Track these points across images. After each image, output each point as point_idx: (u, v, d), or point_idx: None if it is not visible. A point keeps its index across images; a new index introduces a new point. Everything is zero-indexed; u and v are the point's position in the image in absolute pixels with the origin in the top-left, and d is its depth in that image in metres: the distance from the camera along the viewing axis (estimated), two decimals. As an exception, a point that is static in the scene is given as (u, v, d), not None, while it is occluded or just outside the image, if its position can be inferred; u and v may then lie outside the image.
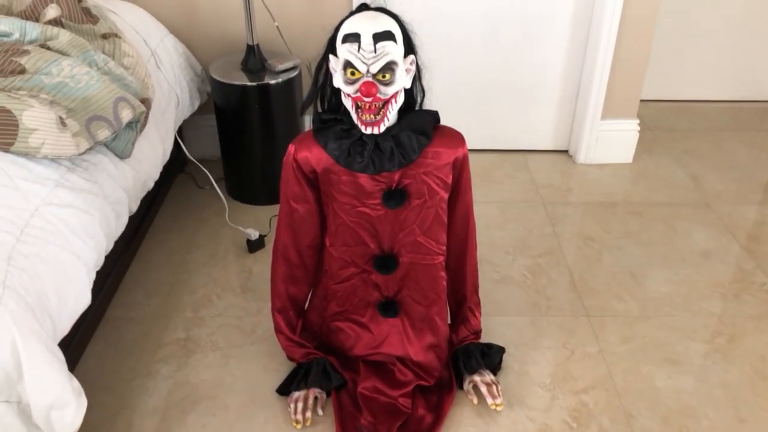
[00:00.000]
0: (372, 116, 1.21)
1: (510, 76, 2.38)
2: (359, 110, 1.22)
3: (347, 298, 1.46)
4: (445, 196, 1.35)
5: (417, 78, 1.30)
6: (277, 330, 1.52)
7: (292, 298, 1.50)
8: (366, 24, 1.17)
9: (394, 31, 1.19)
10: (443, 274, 1.44)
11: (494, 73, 2.37)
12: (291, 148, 1.33)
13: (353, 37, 1.16)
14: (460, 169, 1.37)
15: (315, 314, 1.54)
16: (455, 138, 1.35)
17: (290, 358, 1.53)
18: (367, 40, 1.16)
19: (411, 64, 1.24)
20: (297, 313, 1.53)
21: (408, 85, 1.25)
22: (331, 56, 1.24)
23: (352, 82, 1.19)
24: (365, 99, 1.18)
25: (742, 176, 2.40)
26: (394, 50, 1.18)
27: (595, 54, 2.25)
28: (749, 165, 2.48)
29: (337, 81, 1.22)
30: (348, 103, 1.23)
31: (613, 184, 2.34)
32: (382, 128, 1.24)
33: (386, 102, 1.21)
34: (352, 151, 1.27)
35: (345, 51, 1.18)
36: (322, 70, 1.28)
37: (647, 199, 2.25)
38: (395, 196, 1.31)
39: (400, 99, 1.24)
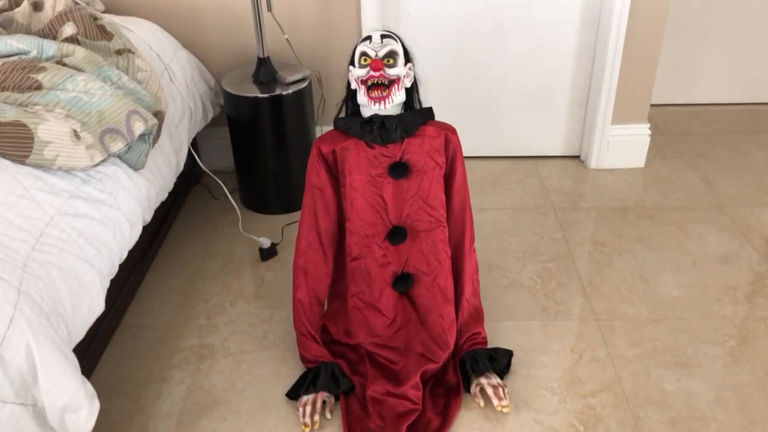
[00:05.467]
0: (379, 92, 1.50)
1: (520, 82, 2.39)
2: (369, 90, 1.51)
3: (363, 277, 1.57)
4: (441, 167, 1.58)
5: (415, 88, 1.59)
6: (295, 306, 1.60)
7: (312, 274, 1.60)
8: (375, 31, 1.55)
9: (395, 37, 1.55)
10: (445, 247, 1.58)
11: (504, 81, 2.39)
12: (314, 142, 1.61)
13: (366, 38, 1.54)
14: (453, 155, 1.59)
15: (338, 301, 1.66)
16: (448, 126, 1.61)
17: (302, 356, 1.57)
18: (376, 36, 1.53)
19: (410, 69, 1.55)
20: (317, 310, 1.61)
21: (408, 85, 1.55)
22: (350, 67, 1.55)
23: (364, 66, 1.51)
24: (374, 74, 1.49)
25: (757, 179, 2.38)
26: (395, 45, 1.53)
27: (604, 59, 2.26)
28: (764, 167, 2.46)
29: (354, 74, 1.53)
30: (361, 91, 1.52)
31: (625, 188, 2.33)
32: (388, 105, 1.51)
33: (391, 83, 1.50)
34: (364, 128, 1.55)
35: (360, 47, 1.53)
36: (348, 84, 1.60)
37: (659, 204, 2.24)
38: (399, 168, 1.55)
39: (402, 91, 1.54)
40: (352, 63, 1.55)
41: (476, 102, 2.43)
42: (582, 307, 1.77)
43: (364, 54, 1.51)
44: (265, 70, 2.09)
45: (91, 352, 1.59)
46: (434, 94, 2.39)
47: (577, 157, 2.54)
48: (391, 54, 1.51)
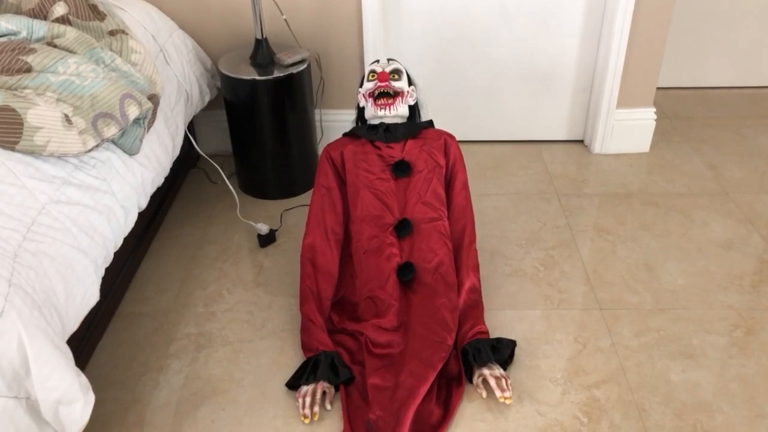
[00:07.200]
0: (385, 100, 1.70)
1: (523, 65, 2.34)
2: (377, 99, 1.71)
3: (372, 269, 1.59)
4: (441, 167, 1.69)
5: (417, 109, 1.80)
6: (304, 293, 1.60)
7: (320, 269, 1.62)
8: (383, 57, 1.90)
9: (399, 61, 1.83)
10: (446, 240, 1.62)
11: (507, 63, 2.34)
12: (324, 147, 1.76)
13: (376, 61, 1.81)
14: (454, 161, 1.70)
15: (341, 294, 1.66)
16: (447, 132, 1.75)
17: (304, 343, 1.55)
18: (383, 59, 1.82)
19: (412, 91, 1.77)
20: (325, 303, 1.61)
21: (411, 102, 1.75)
22: (359, 88, 1.78)
23: (372, 81, 1.73)
24: (381, 84, 1.70)
25: (764, 164, 2.34)
26: (401, 66, 1.77)
27: (610, 41, 2.21)
28: (771, 153, 2.42)
29: (363, 89, 1.75)
30: (369, 104, 1.73)
31: (629, 174, 2.29)
32: (392, 111, 1.70)
33: (396, 95, 1.71)
34: (370, 130, 1.72)
35: (369, 67, 1.78)
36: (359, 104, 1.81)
37: (664, 190, 2.20)
38: (401, 166, 1.66)
39: (406, 105, 1.73)
40: (361, 85, 1.77)
41: (478, 85, 2.39)
42: (585, 295, 1.74)
43: (372, 71, 1.74)
44: (262, 52, 2.04)
45: (86, 341, 1.56)
46: (436, 77, 2.36)
47: (581, 141, 2.50)
48: (396, 71, 1.74)
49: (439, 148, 1.70)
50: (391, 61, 1.77)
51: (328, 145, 1.75)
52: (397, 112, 1.70)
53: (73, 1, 1.60)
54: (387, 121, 1.72)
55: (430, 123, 1.77)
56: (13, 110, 1.21)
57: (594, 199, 2.16)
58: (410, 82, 1.78)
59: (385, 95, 1.70)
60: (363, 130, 1.72)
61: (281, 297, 1.77)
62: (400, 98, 1.70)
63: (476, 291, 1.59)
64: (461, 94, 2.41)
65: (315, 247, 1.64)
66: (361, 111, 1.80)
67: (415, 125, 1.73)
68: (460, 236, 1.65)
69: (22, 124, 1.22)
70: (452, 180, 1.70)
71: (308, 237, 1.66)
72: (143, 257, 1.92)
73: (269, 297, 1.77)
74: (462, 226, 1.66)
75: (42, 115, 1.25)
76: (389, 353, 1.50)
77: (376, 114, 1.71)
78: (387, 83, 1.70)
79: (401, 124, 1.72)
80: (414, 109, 1.79)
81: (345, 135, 1.76)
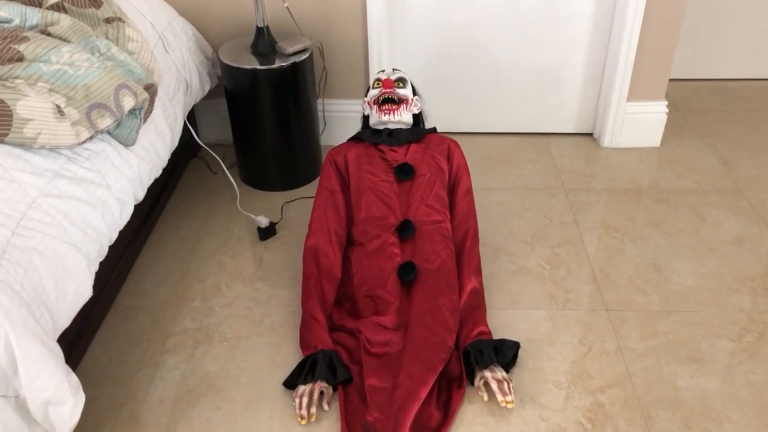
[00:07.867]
0: (389, 105, 1.75)
1: (532, 55, 2.28)
2: (381, 105, 1.75)
3: (372, 268, 1.56)
4: (444, 171, 1.70)
5: (421, 118, 1.85)
6: (307, 289, 1.58)
7: (324, 269, 1.60)
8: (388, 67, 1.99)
9: (404, 72, 1.92)
10: (448, 242, 1.60)
11: (515, 53, 2.28)
12: (329, 152, 1.77)
13: (381, 71, 1.87)
14: (457, 167, 1.72)
15: (341, 293, 1.64)
16: (450, 138, 1.78)
17: (303, 340, 1.52)
18: (388, 68, 1.92)
19: (416, 101, 1.82)
20: (328, 304, 1.58)
21: (415, 111, 1.81)
22: (365, 98, 1.84)
23: (377, 88, 1.79)
24: (385, 90, 1.76)
25: (778, 161, 2.28)
26: (405, 76, 1.83)
27: (621, 32, 2.14)
28: (786, 149, 2.36)
29: (368, 96, 1.82)
30: (373, 110, 1.78)
31: (639, 169, 2.24)
32: (396, 117, 1.74)
33: (400, 102, 1.75)
34: (374, 135, 1.76)
35: (374, 76, 1.85)
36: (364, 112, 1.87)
37: (674, 186, 2.15)
38: (404, 169, 1.68)
39: (410, 113, 1.77)
40: (366, 94, 1.83)
41: (485, 75, 2.33)
42: (592, 296, 1.70)
43: (377, 79, 1.80)
44: (263, 41, 1.99)
45: (81, 335, 1.54)
46: (442, 68, 2.30)
47: (590, 134, 2.44)
48: (401, 80, 1.80)
49: (442, 152, 1.72)
50: (396, 71, 1.82)
51: (332, 149, 1.76)
52: (401, 118, 1.74)
53: (68, -14, 1.56)
54: (391, 126, 1.75)
55: (434, 130, 1.79)
56: (2, 101, 1.18)
57: (602, 195, 2.11)
58: (414, 92, 1.82)
59: (389, 101, 1.74)
60: (367, 134, 1.75)
61: (280, 292, 1.73)
62: (404, 105, 1.75)
63: (478, 293, 1.55)
64: (468, 85, 2.35)
65: (318, 249, 1.62)
66: (366, 119, 1.84)
67: (419, 130, 1.76)
68: (462, 240, 1.64)
69: (11, 115, 1.18)
70: (456, 185, 1.71)
71: (311, 239, 1.65)
72: (141, 249, 1.89)
73: (268, 292, 1.74)
74: (465, 230, 1.65)
75: (32, 107, 1.21)
76: (387, 352, 1.46)
77: (380, 119, 1.75)
78: (392, 90, 1.75)
79: (405, 129, 1.76)
80: (418, 118, 1.83)
81: (349, 140, 1.78)
